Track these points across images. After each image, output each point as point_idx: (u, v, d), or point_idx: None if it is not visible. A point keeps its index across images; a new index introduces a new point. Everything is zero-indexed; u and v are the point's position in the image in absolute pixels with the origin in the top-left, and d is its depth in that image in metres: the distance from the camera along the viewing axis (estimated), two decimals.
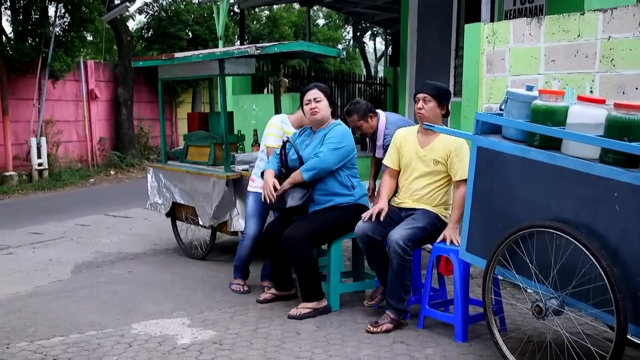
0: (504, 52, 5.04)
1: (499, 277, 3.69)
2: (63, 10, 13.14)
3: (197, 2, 17.70)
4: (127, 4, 14.37)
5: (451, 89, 9.10)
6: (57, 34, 12.84)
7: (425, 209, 4.24)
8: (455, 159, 4.16)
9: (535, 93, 3.51)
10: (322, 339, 3.99)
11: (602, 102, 3.22)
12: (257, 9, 21.69)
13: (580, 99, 3.24)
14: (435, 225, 4.21)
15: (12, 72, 12.40)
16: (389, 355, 3.71)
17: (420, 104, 4.24)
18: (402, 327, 4.13)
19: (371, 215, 4.17)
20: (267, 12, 22.99)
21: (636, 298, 2.90)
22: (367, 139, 5.46)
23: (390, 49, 18.78)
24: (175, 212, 6.37)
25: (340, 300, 4.59)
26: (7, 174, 12.19)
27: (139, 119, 16.19)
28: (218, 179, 5.55)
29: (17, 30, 12.61)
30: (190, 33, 17.38)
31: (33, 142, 12.57)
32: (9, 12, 12.84)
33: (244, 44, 12.39)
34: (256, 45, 5.37)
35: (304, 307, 4.40)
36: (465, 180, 4.13)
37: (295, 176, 4.40)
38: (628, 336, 3.02)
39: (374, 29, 26.03)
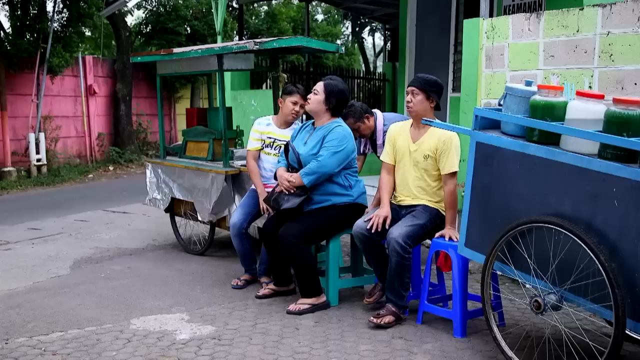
0: (503, 47, 5.04)
1: (498, 272, 3.70)
2: (61, 6, 13.10)
3: None
4: None
5: (450, 84, 9.10)
6: (56, 29, 12.81)
7: (426, 204, 4.23)
8: (443, 152, 4.14)
9: (534, 88, 3.50)
10: (321, 334, 3.99)
11: (601, 97, 3.22)
12: (255, 5, 21.64)
13: (579, 94, 3.23)
14: (436, 221, 4.20)
15: (10, 67, 12.37)
16: (388, 350, 3.71)
17: (408, 97, 4.21)
18: (401, 322, 4.13)
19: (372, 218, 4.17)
20: (265, 8, 22.93)
21: (634, 293, 2.90)
22: (363, 140, 5.38)
23: (389, 44, 18.76)
24: (174, 208, 6.37)
25: (339, 295, 4.60)
26: (5, 169, 12.18)
27: (137, 115, 16.17)
28: (217, 174, 5.55)
29: (15, 26, 12.57)
30: (188, 28, 17.34)
31: (31, 137, 12.55)
32: (7, 7, 12.81)
33: (242, 40, 12.37)
34: (255, 40, 5.36)
35: (303, 303, 4.41)
36: (453, 174, 4.14)
37: (297, 179, 4.38)
38: (626, 331, 3.02)
39: (373, 24, 26.00)
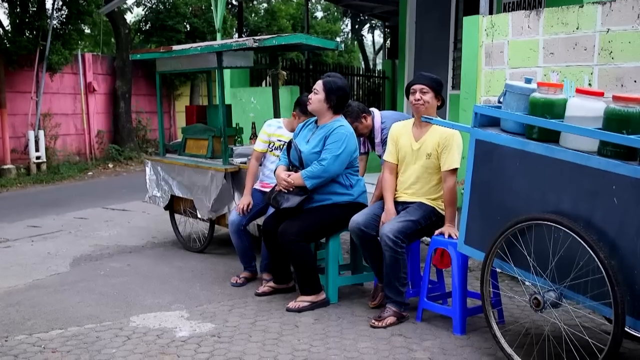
0: (503, 44, 5.03)
1: (497, 269, 3.70)
2: (60, 3, 13.09)
3: None
4: None
5: (450, 81, 9.10)
6: (55, 26, 12.79)
7: (421, 202, 4.24)
8: (445, 149, 4.14)
9: (533, 86, 3.50)
10: (320, 331, 3.99)
11: (601, 94, 3.21)
12: (255, 2, 21.64)
13: (579, 91, 3.23)
14: (431, 218, 4.21)
15: (9, 65, 12.36)
16: (387, 348, 3.72)
17: (417, 96, 4.20)
18: (404, 320, 4.13)
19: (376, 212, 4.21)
20: (265, 5, 22.92)
21: (634, 291, 2.90)
22: (362, 140, 5.39)
23: (388, 41, 18.75)
24: (174, 205, 6.37)
25: (339, 293, 4.60)
26: (5, 167, 12.18)
27: (137, 112, 16.15)
28: (216, 171, 5.55)
29: (14, 23, 12.56)
30: (188, 26, 17.32)
31: (31, 135, 12.54)
32: (6, 4, 12.79)
33: (242, 37, 12.36)
34: (254, 37, 5.35)
35: (302, 300, 4.41)
36: (453, 171, 4.14)
37: (297, 179, 4.38)
38: (626, 329, 3.02)
39: (373, 21, 25.97)
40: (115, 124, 15.47)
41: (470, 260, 4.34)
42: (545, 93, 3.32)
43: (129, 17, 18.69)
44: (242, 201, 5.01)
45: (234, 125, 6.41)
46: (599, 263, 2.92)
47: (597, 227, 3.02)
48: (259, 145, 5.14)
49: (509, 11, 7.43)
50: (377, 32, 29.19)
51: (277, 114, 6.35)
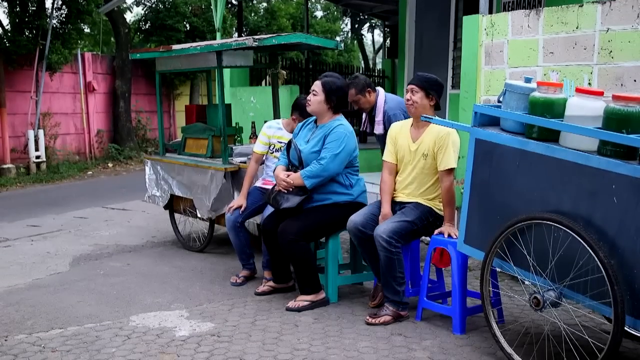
0: (502, 44, 5.03)
1: (497, 269, 3.70)
2: (60, 2, 13.09)
3: None
4: None
5: (449, 81, 9.09)
6: (54, 26, 12.79)
7: (418, 202, 4.23)
8: (440, 148, 4.13)
9: (533, 85, 3.50)
10: (320, 331, 3.99)
11: (601, 94, 3.21)
12: (254, 1, 21.64)
13: (579, 91, 3.23)
14: (427, 219, 4.20)
15: (9, 64, 12.36)
16: (387, 347, 3.72)
17: (408, 95, 4.21)
18: (401, 320, 4.13)
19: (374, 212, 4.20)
20: (265, 4, 22.93)
21: (634, 290, 2.90)
22: (364, 118, 5.43)
23: (388, 41, 18.75)
24: (174, 205, 6.37)
25: (339, 292, 4.60)
26: (4, 166, 12.18)
27: (136, 112, 16.16)
28: (216, 171, 5.55)
29: (14, 22, 12.56)
30: (187, 25, 17.32)
31: (31, 134, 12.54)
32: (5, 4, 12.79)
33: (241, 36, 12.36)
34: (254, 37, 5.35)
35: (302, 300, 4.41)
36: (449, 171, 4.13)
37: (296, 179, 4.37)
38: (625, 328, 3.02)
39: (372, 21, 25.97)
40: (115, 124, 15.47)
41: (470, 260, 4.34)
42: (545, 92, 3.32)
43: (129, 17, 18.74)
44: (235, 201, 5.02)
45: (233, 124, 6.41)
46: (598, 262, 2.92)
47: (597, 226, 3.02)
48: (259, 147, 5.13)
49: (508, 10, 7.43)
50: (376, 31, 29.22)
51: (276, 114, 6.35)
